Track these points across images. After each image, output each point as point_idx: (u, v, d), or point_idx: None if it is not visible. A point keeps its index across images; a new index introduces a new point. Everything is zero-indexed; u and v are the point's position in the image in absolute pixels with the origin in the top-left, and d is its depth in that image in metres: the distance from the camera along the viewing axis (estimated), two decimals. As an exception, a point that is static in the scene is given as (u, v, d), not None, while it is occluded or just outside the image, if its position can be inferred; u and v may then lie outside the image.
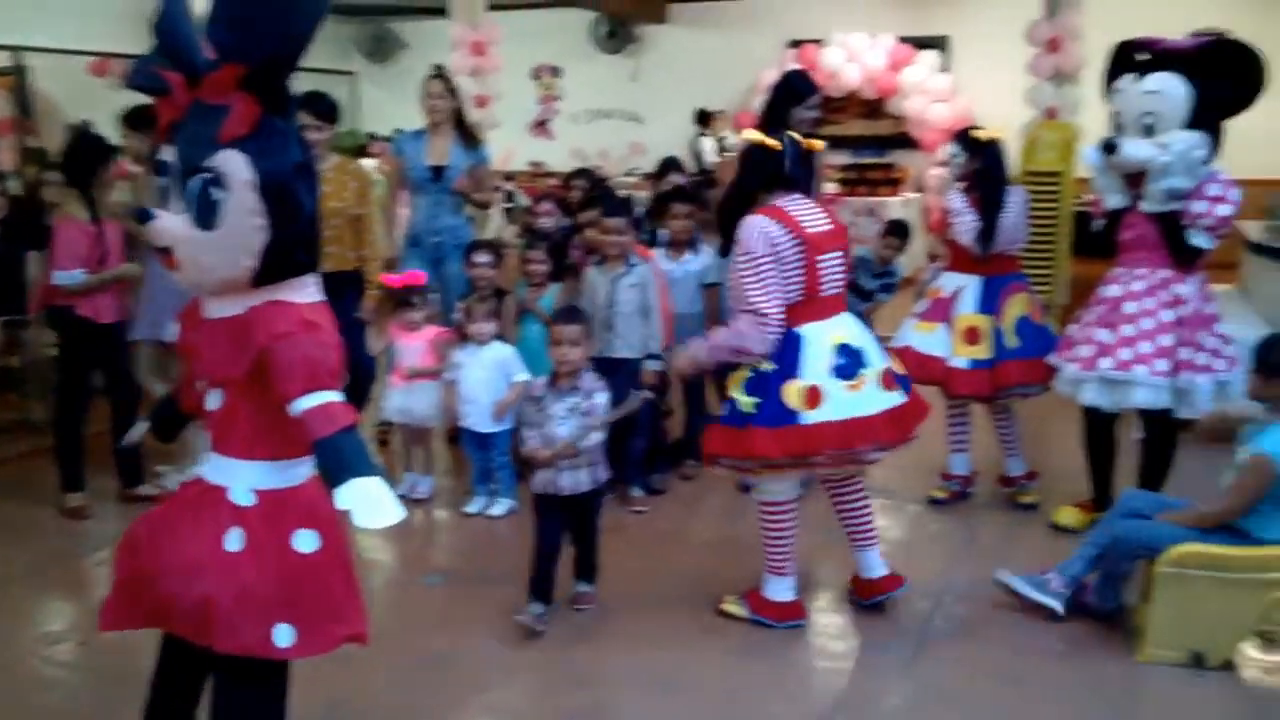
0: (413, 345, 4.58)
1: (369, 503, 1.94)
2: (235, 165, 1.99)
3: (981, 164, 4.33)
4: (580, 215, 5.17)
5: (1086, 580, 3.49)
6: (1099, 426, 4.18)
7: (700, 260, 4.76)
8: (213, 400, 2.16)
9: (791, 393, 3.23)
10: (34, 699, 3.12)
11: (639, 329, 4.43)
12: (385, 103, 13.75)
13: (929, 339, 4.38)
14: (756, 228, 3.24)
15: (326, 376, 2.02)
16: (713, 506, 4.64)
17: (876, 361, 3.34)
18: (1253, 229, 6.43)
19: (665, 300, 4.54)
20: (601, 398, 3.44)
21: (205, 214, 2.00)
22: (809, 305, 3.29)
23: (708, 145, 10.83)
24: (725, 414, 3.37)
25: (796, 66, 6.87)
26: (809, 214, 3.33)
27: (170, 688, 2.33)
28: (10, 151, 10.74)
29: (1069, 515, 4.27)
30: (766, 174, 3.37)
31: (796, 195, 3.38)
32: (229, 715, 2.17)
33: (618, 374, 4.33)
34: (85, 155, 4.41)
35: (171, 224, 2.03)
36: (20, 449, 5.36)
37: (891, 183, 10.95)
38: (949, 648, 3.37)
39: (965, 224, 4.32)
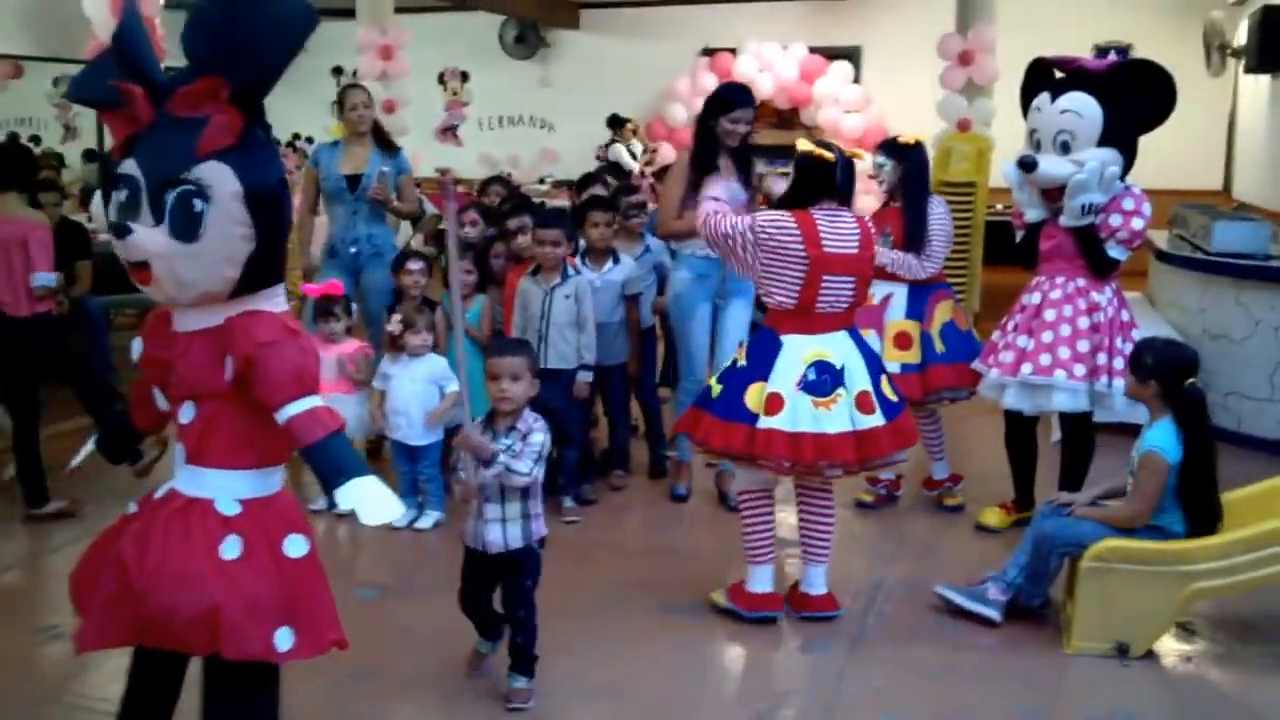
0: (330, 357, 4.58)
1: (370, 500, 2.04)
2: (221, 177, 2.03)
3: (907, 168, 4.52)
4: (506, 223, 5.23)
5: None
6: (1020, 429, 4.41)
7: (621, 270, 4.86)
8: (185, 413, 2.19)
9: (753, 393, 3.42)
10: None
11: (573, 340, 4.52)
12: (286, 107, 13.61)
13: None
14: (778, 217, 3.48)
15: (311, 382, 2.10)
16: (643, 515, 4.75)
17: (858, 384, 3.47)
18: (1159, 238, 6.81)
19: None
20: (539, 438, 3.00)
21: (186, 226, 2.03)
22: (799, 316, 3.47)
23: (623, 152, 10.97)
24: (701, 395, 3.64)
25: (733, 80, 7.07)
26: (838, 231, 3.48)
27: (146, 704, 2.34)
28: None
29: (993, 516, 4.49)
30: (819, 185, 3.52)
31: (836, 206, 3.54)
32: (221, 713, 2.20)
33: (551, 385, 4.43)
34: (24, 162, 4.76)
35: (149, 239, 2.04)
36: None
37: (806, 192, 11.22)
38: (881, 646, 3.52)
39: (908, 262, 4.49)
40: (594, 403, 5.01)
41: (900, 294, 4.56)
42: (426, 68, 12.64)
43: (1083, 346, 4.01)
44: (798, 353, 3.45)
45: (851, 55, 11.80)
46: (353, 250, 5.35)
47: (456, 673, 3.27)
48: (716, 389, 3.53)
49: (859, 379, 3.48)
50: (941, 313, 4.58)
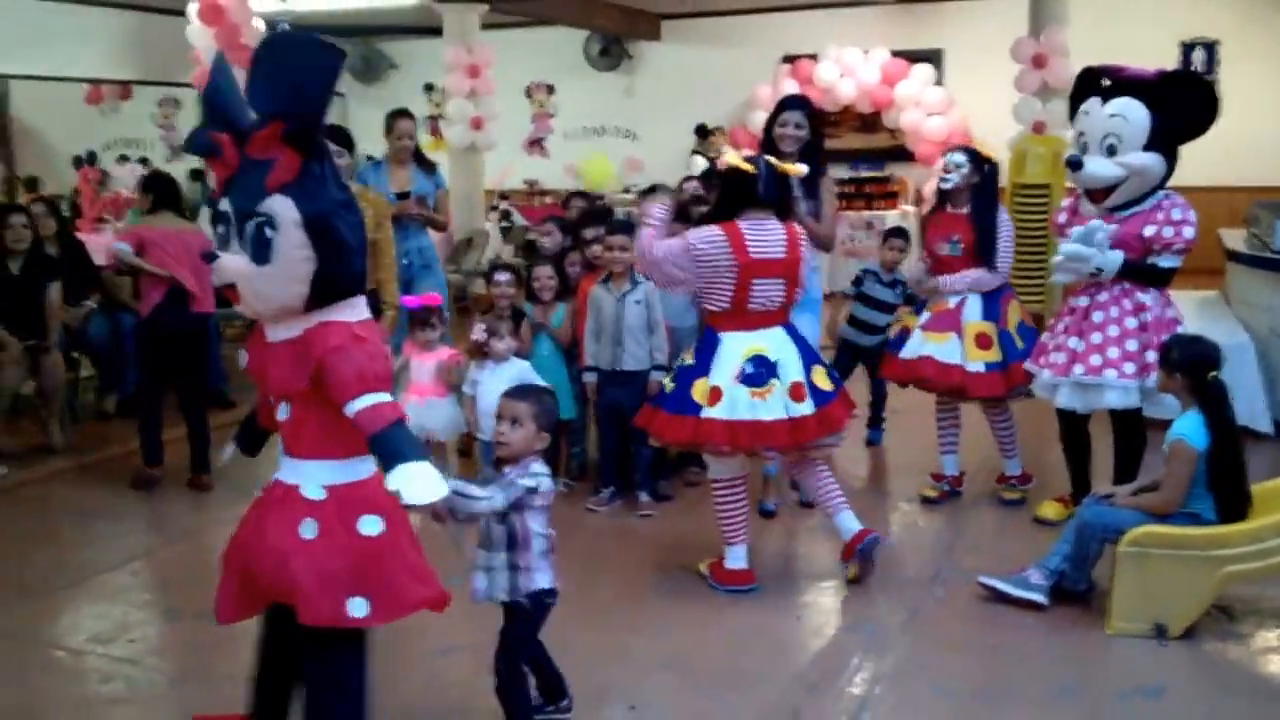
0: (427, 363, 5.06)
1: (414, 482, 2.43)
2: (284, 208, 2.49)
3: (983, 179, 4.85)
4: (581, 232, 5.67)
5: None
6: (1074, 426, 4.69)
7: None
8: (282, 412, 2.66)
9: (697, 387, 3.94)
10: (97, 689, 3.59)
11: (645, 343, 4.94)
12: (375, 124, 14.29)
13: (944, 348, 4.88)
14: (708, 233, 3.95)
15: (374, 381, 2.51)
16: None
17: (791, 375, 3.95)
18: (1234, 237, 6.97)
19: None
20: (524, 482, 2.89)
21: (261, 251, 2.49)
22: (734, 316, 3.97)
23: (699, 162, 11.34)
24: (658, 394, 4.17)
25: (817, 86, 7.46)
26: (764, 238, 3.95)
27: (272, 665, 2.84)
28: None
29: (1051, 509, 4.78)
30: (741, 196, 3.98)
31: (766, 216, 3.99)
32: (316, 678, 2.66)
33: (627, 386, 4.90)
34: (175, 186, 6.09)
35: (233, 263, 2.53)
36: (42, 472, 5.86)
37: (889, 195, 11.48)
38: (933, 627, 3.87)
39: (982, 279, 4.85)
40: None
41: (974, 298, 4.90)
42: (513, 82, 13.20)
43: (1131, 345, 4.29)
44: (736, 349, 3.95)
45: (933, 58, 12.00)
46: (404, 262, 5.86)
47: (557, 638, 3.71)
48: (669, 386, 4.08)
49: (792, 370, 3.97)
50: (1013, 312, 4.93)
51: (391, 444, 2.48)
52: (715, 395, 3.91)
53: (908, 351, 4.98)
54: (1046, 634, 3.77)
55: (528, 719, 3.05)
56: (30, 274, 6.03)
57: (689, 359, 4.07)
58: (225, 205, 2.54)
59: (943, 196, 4.98)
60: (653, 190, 5.96)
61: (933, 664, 3.61)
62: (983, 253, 4.83)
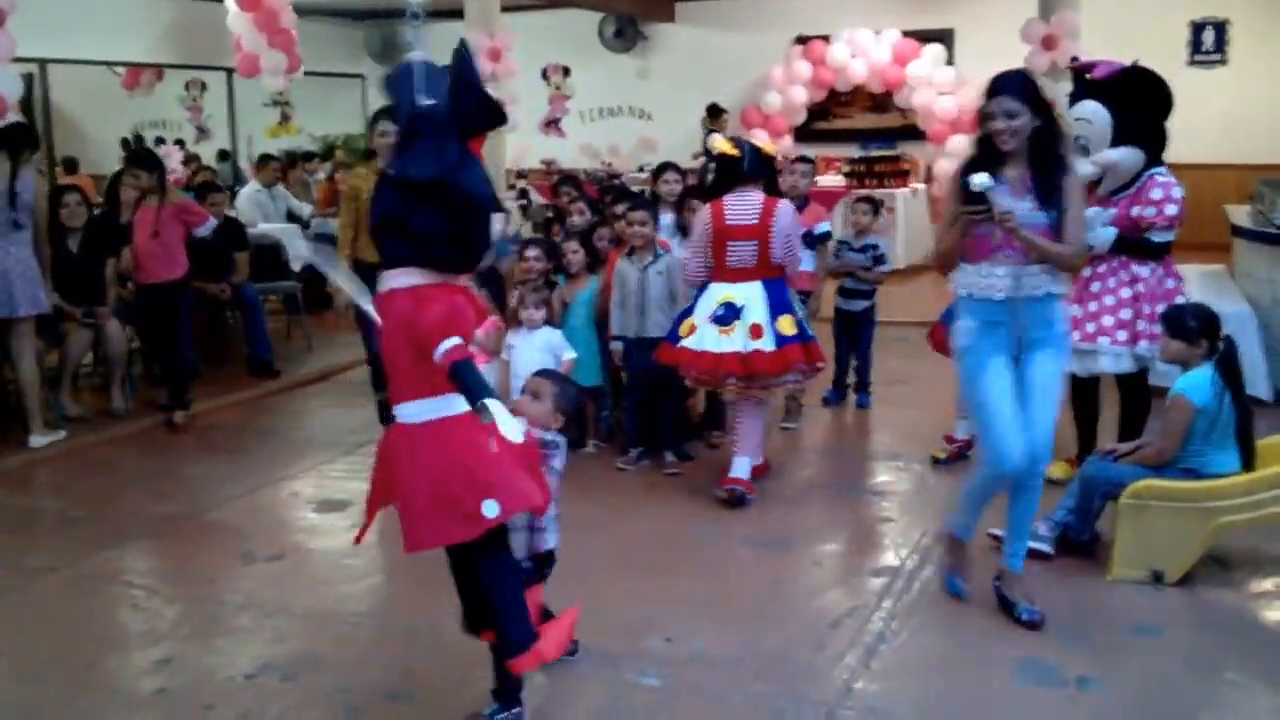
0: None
1: (501, 417, 2.65)
2: None
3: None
4: (609, 210, 5.93)
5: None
6: (1082, 390, 4.94)
7: None
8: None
9: (685, 325, 4.82)
10: (178, 627, 3.89)
11: (668, 311, 5.20)
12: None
13: None
14: (701, 212, 4.89)
15: (452, 329, 2.71)
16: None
17: (753, 317, 4.69)
18: (1236, 213, 7.18)
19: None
20: (546, 435, 3.14)
21: None
22: (717, 271, 4.82)
23: (718, 141, 11.55)
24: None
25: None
26: (741, 208, 4.75)
27: (464, 587, 3.06)
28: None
29: (1059, 469, 5.00)
30: (730, 175, 4.81)
31: (750, 190, 4.76)
32: (485, 580, 2.92)
33: (653, 350, 5.13)
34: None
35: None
36: (108, 435, 6.16)
37: (900, 174, 11.64)
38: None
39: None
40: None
41: None
42: (530, 64, 13.41)
43: (1125, 314, 4.54)
44: (714, 295, 4.79)
45: (944, 38, 12.19)
46: None
47: (597, 577, 4.00)
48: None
49: (755, 314, 4.71)
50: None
51: (468, 381, 2.70)
52: (690, 329, 4.78)
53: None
54: (1052, 580, 4.03)
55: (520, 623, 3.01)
56: (88, 249, 6.32)
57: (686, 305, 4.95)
58: None
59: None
60: (663, 169, 6.23)
61: (944, 604, 3.88)
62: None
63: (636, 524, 4.67)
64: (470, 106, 2.77)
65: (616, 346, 5.36)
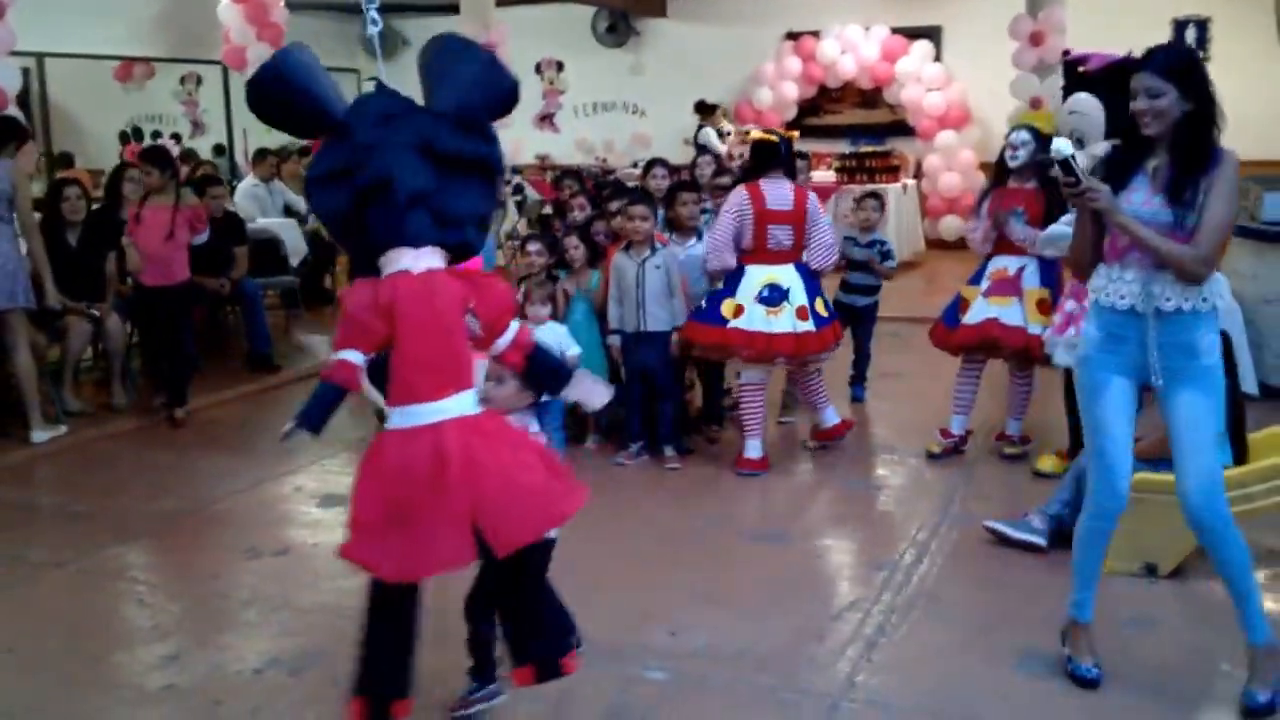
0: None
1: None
2: None
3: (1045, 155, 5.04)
4: (607, 204, 5.92)
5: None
6: (1074, 383, 4.95)
7: (704, 246, 5.49)
8: None
9: (726, 305, 5.01)
10: (184, 623, 3.88)
11: (666, 305, 5.20)
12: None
13: (1008, 311, 5.07)
14: (736, 195, 5.06)
15: (337, 338, 2.63)
16: (733, 462, 5.39)
17: (798, 299, 5.00)
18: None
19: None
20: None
21: None
22: (756, 254, 5.04)
23: (713, 135, 11.54)
24: (694, 311, 5.18)
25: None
26: (778, 194, 5.02)
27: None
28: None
29: (1049, 462, 5.05)
30: (767, 161, 5.10)
31: (780, 176, 5.07)
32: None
33: (650, 346, 5.17)
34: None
35: None
36: (110, 430, 6.14)
37: (891, 170, 11.65)
38: (941, 566, 4.15)
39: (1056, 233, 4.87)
40: (687, 365, 5.69)
41: (1032, 265, 5.10)
42: (523, 58, 13.35)
43: (1120, 310, 4.53)
44: (756, 276, 5.03)
45: (932, 34, 12.18)
46: None
47: (576, 583, 3.99)
48: (703, 306, 5.12)
49: (799, 296, 5.01)
50: (1068, 279, 5.13)
51: (309, 398, 2.62)
52: (738, 310, 4.98)
53: (972, 317, 5.13)
54: (1045, 572, 4.04)
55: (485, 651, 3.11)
56: (87, 243, 6.28)
57: (719, 285, 5.14)
58: None
59: (1005, 171, 5.15)
60: (652, 164, 6.23)
61: (941, 597, 3.89)
62: (1051, 223, 4.92)
63: (637, 518, 4.67)
64: (509, 85, 2.72)
65: (614, 341, 5.35)
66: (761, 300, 4.97)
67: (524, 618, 2.82)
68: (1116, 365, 3.14)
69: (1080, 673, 3.30)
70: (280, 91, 2.62)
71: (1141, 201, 3.06)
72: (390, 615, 2.74)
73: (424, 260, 2.60)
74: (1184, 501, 3.13)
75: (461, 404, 2.62)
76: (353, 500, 2.65)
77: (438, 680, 3.11)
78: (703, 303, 5.16)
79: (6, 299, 5.54)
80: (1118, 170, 3.14)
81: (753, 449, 5.17)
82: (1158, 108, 3.00)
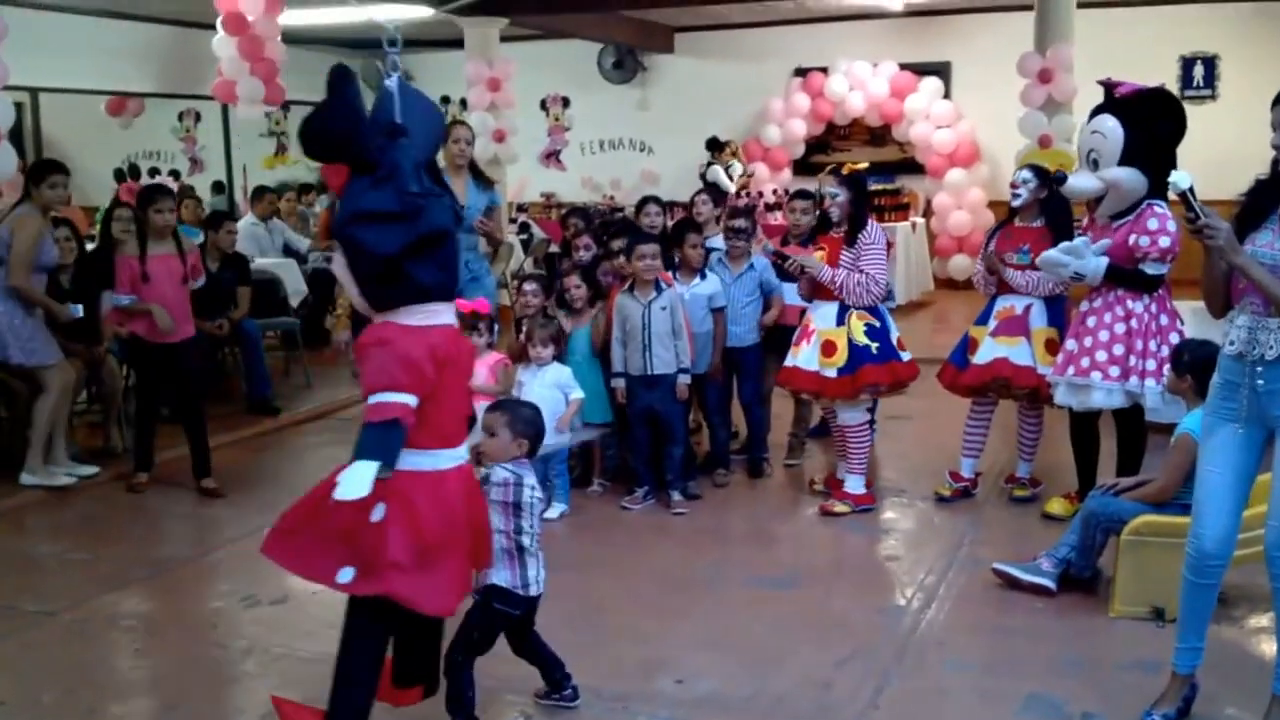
0: (481, 369, 5.35)
1: (348, 479, 2.67)
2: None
3: (1052, 192, 5.15)
4: (611, 244, 6.00)
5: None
6: (1082, 425, 5.04)
7: (709, 285, 5.60)
8: None
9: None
10: (180, 673, 3.95)
11: (672, 347, 5.28)
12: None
13: (1017, 351, 5.16)
14: (880, 233, 5.20)
15: (387, 380, 2.73)
16: (742, 509, 5.50)
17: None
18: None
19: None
20: (482, 470, 3.24)
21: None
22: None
23: (721, 173, 11.63)
24: (866, 354, 5.10)
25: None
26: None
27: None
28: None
29: (1058, 505, 5.12)
30: (868, 193, 5.41)
31: None
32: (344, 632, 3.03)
33: (657, 389, 5.25)
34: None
35: (335, 265, 2.91)
36: (106, 475, 6.18)
37: (900, 208, 11.66)
38: (949, 611, 4.22)
39: (1043, 284, 5.11)
40: (691, 407, 5.76)
41: (1039, 305, 5.20)
42: (529, 95, 13.52)
43: (1118, 350, 4.64)
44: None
45: (941, 71, 12.33)
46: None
47: (583, 630, 4.05)
48: (874, 347, 5.13)
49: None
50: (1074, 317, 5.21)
51: (363, 441, 2.74)
52: (901, 343, 5.23)
53: (981, 357, 5.21)
54: (1054, 616, 4.11)
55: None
56: (80, 285, 6.36)
57: (875, 322, 5.16)
58: None
59: (1010, 211, 5.29)
60: (645, 202, 6.34)
61: (949, 642, 3.96)
62: None
63: (645, 565, 4.73)
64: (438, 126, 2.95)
65: (619, 384, 5.41)
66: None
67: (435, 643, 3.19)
68: (1227, 412, 3.12)
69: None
70: (349, 119, 2.80)
71: (1266, 243, 2.99)
72: (376, 654, 3.02)
73: (451, 313, 2.86)
74: (1219, 532, 3.21)
75: (462, 453, 2.95)
76: (377, 542, 2.80)
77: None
78: (872, 346, 5.12)
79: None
80: (1252, 210, 3.07)
81: (857, 484, 5.30)
82: None
